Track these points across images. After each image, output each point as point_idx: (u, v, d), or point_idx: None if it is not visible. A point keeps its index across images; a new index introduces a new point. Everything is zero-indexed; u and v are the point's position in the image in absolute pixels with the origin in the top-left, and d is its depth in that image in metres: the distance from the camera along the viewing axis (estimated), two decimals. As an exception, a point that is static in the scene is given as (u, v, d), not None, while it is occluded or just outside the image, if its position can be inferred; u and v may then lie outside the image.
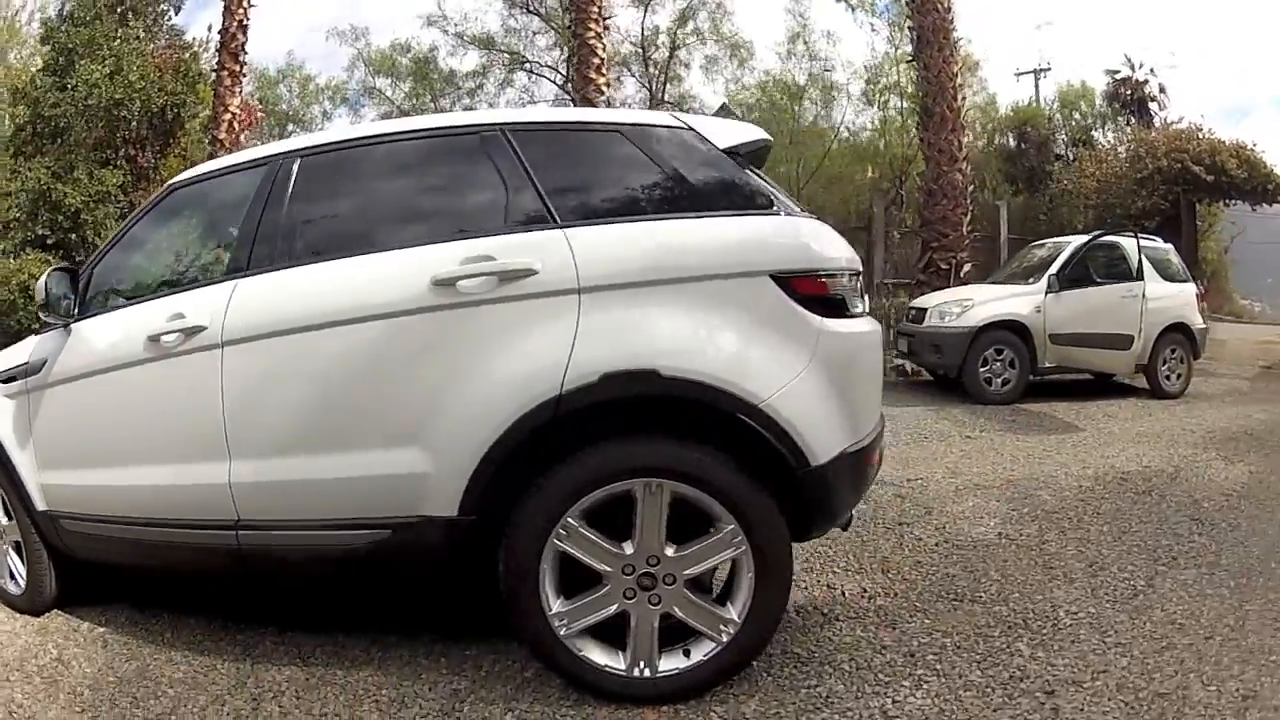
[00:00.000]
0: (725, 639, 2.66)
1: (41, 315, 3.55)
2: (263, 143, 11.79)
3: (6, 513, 3.76)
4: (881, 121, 20.25)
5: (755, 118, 17.42)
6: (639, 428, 2.64)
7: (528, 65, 19.15)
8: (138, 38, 12.86)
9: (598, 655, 2.68)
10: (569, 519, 2.59)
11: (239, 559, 3.03)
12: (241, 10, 11.20)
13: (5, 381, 3.67)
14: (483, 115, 3.41)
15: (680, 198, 2.87)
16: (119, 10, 12.78)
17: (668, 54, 19.74)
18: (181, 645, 3.35)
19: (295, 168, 3.15)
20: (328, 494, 2.82)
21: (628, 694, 2.68)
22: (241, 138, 11.47)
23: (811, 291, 2.71)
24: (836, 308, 2.79)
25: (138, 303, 3.37)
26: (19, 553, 3.75)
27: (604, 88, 11.71)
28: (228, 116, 11.21)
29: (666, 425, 2.63)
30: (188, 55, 13.18)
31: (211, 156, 11.05)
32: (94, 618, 3.66)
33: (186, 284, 3.39)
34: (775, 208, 2.88)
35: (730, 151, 2.98)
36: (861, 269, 3.07)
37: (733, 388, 2.57)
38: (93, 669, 3.18)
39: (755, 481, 2.61)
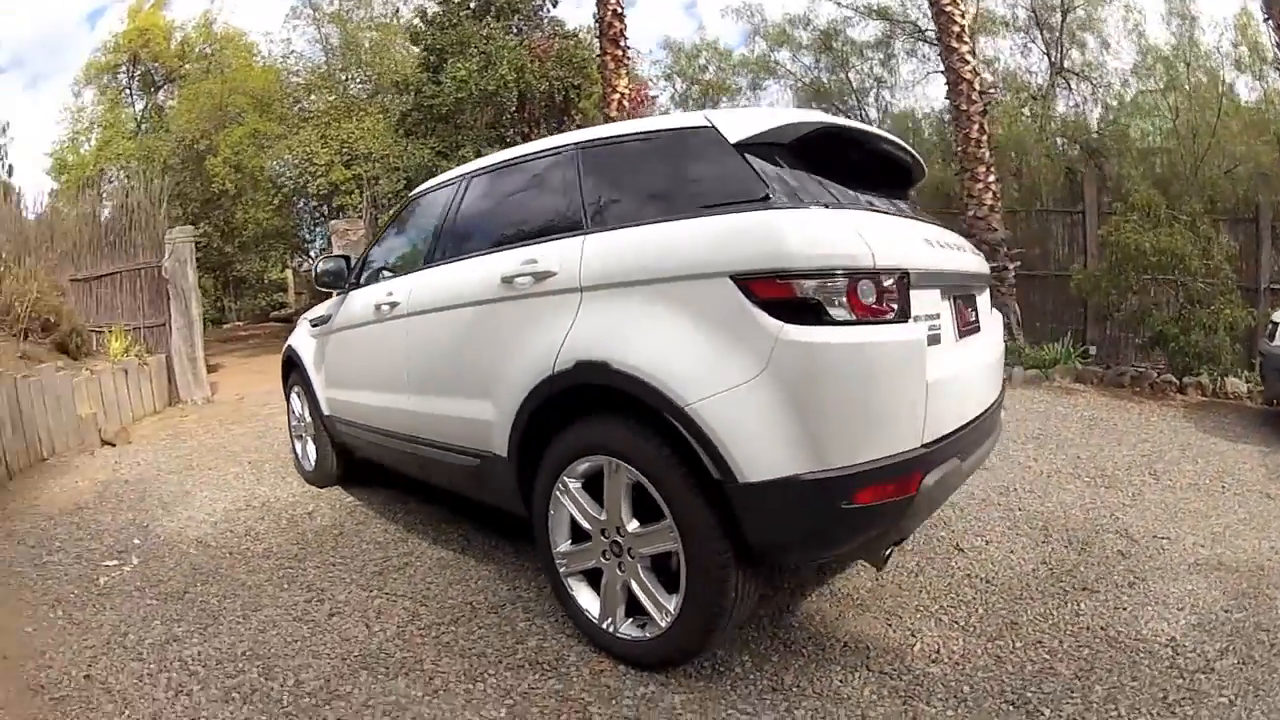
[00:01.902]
0: (663, 626, 2.99)
1: (317, 287, 5.46)
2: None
3: (311, 414, 5.75)
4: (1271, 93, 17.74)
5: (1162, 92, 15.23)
6: (616, 412, 3.01)
7: (926, 35, 19.12)
8: (514, 33, 15.44)
9: (584, 598, 3.29)
10: (564, 478, 3.21)
11: (419, 463, 4.39)
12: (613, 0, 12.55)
13: (314, 325, 5.69)
14: (570, 136, 3.77)
15: (684, 198, 3.06)
16: (488, 11, 15.32)
17: (1060, 18, 18.77)
18: (399, 520, 5.07)
19: (465, 186, 4.30)
20: (450, 427, 3.93)
21: (594, 638, 3.26)
22: (632, 116, 12.63)
23: (772, 295, 2.64)
24: (808, 313, 2.60)
25: (374, 283, 4.87)
26: (314, 442, 5.81)
27: (967, 56, 10.91)
28: (616, 96, 12.50)
29: (636, 414, 2.92)
30: (570, 43, 15.46)
31: None
32: (357, 494, 5.61)
33: (398, 272, 4.69)
34: (771, 201, 2.81)
35: (748, 144, 2.99)
36: (878, 268, 2.66)
37: (662, 386, 2.78)
38: (326, 523, 5.07)
39: (696, 485, 2.76)
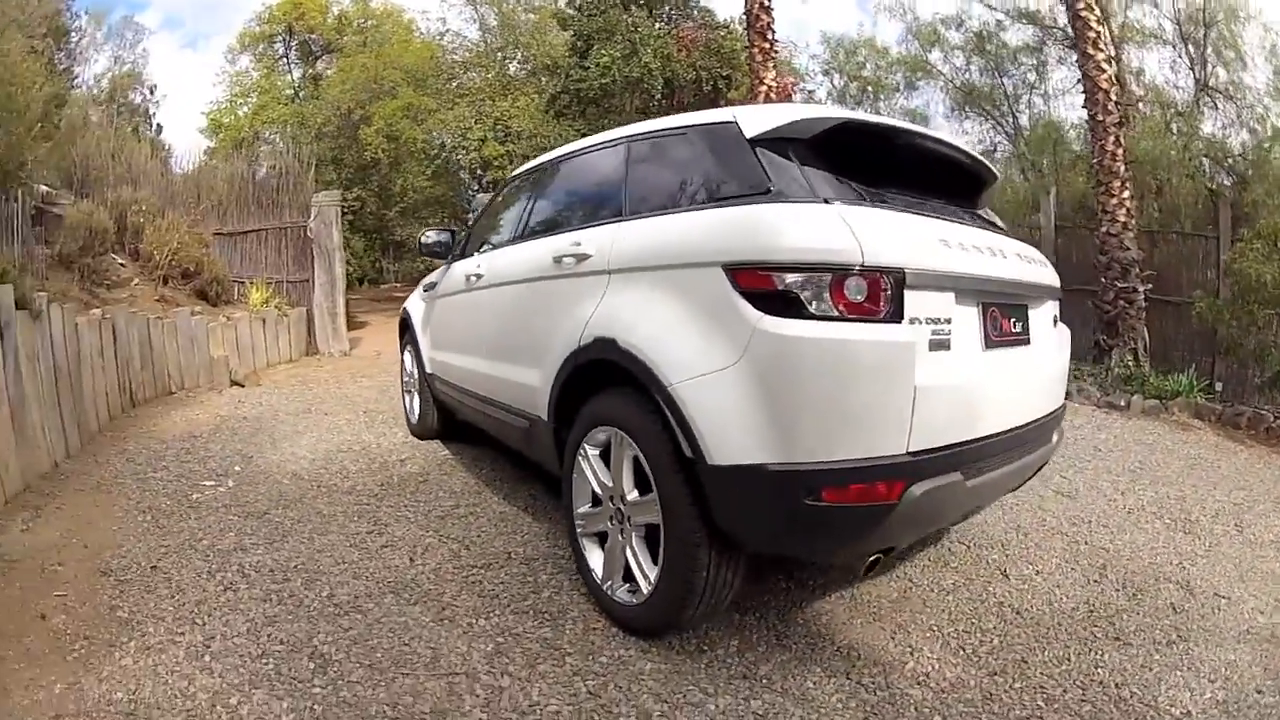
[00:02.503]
0: (645, 595, 3.12)
1: (421, 255, 6.12)
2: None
3: (417, 371, 6.25)
4: None
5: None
6: (623, 387, 3.17)
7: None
8: (664, 21, 15.81)
9: (594, 559, 3.45)
10: (585, 445, 3.40)
11: (491, 422, 4.74)
12: None
13: (425, 290, 6.20)
14: (623, 130, 4.02)
15: (704, 191, 3.22)
16: (635, 0, 15.58)
17: (1202, 32, 18.08)
18: (482, 474, 5.40)
19: (546, 171, 4.75)
20: (509, 390, 4.25)
21: (597, 598, 3.42)
22: None
23: (753, 286, 2.72)
24: (788, 305, 2.64)
25: (470, 256, 5.30)
26: (419, 397, 6.29)
27: (1103, 64, 10.34)
28: (763, 89, 12.50)
29: (635, 391, 3.08)
30: (719, 34, 15.61)
31: None
32: (452, 448, 6.01)
33: (485, 249, 5.07)
34: (772, 195, 2.89)
35: (762, 139, 3.06)
36: (866, 265, 2.62)
37: (653, 365, 2.94)
38: (414, 470, 5.47)
39: (677, 462, 2.88)
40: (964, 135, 22.56)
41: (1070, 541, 4.49)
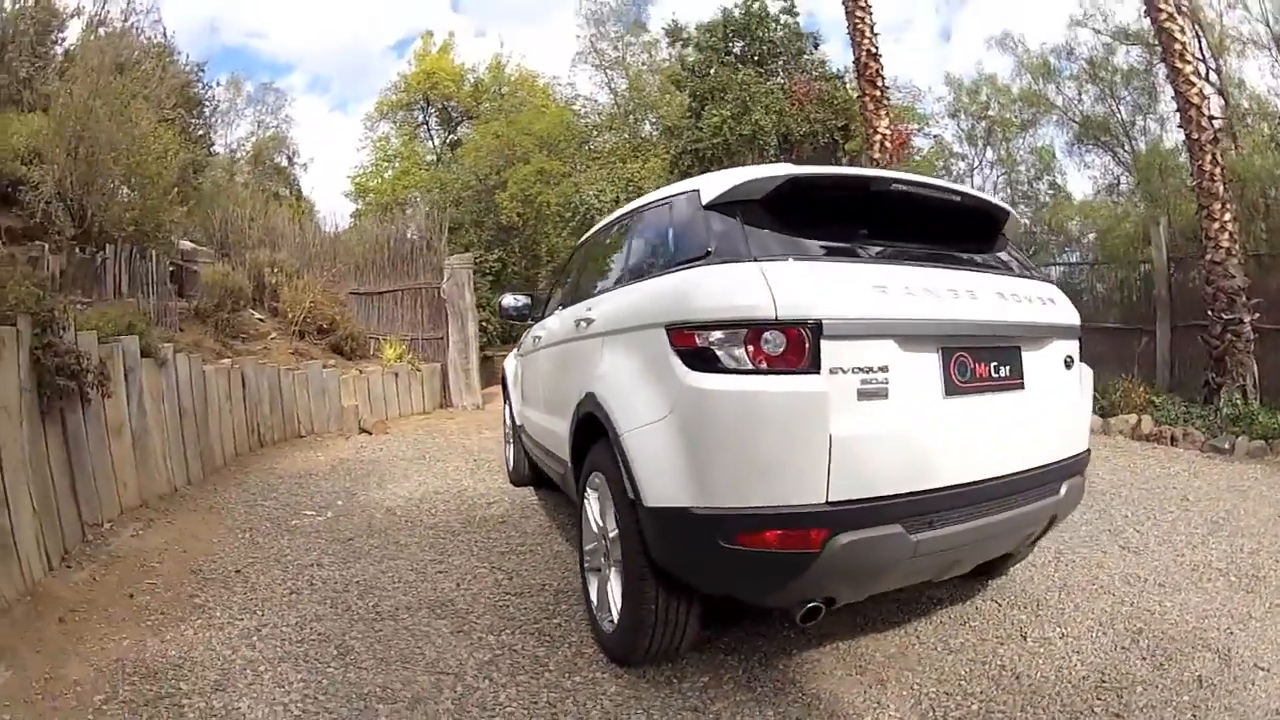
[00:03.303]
0: (613, 625, 3.42)
1: (500, 318, 6.88)
2: (914, 164, 13.96)
3: (511, 424, 6.85)
4: None
5: None
6: (603, 436, 3.46)
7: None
8: (777, 75, 16.08)
9: (593, 590, 3.72)
10: (587, 488, 3.75)
11: (546, 465, 5.24)
12: (867, 40, 12.62)
13: (518, 350, 6.85)
14: (632, 203, 4.59)
15: (670, 257, 3.58)
16: (748, 58, 16.06)
17: None
18: (558, 520, 5.70)
19: (584, 248, 5.49)
20: (551, 438, 4.73)
21: (592, 625, 3.71)
22: (895, 157, 12.89)
23: (683, 344, 2.96)
24: (708, 361, 2.87)
25: (538, 321, 5.91)
26: (513, 447, 6.83)
27: (1192, 77, 9.89)
28: (877, 137, 12.70)
29: (606, 439, 3.42)
30: (830, 85, 15.82)
31: None
32: (542, 496, 6.44)
33: (548, 313, 5.65)
34: (709, 257, 3.15)
35: (714, 204, 3.34)
36: (780, 319, 2.78)
37: (612, 416, 3.33)
38: (498, 513, 5.97)
39: (629, 504, 3.15)
40: (1085, 169, 21.59)
41: (1115, 602, 4.29)
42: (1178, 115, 10.56)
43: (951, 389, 3.15)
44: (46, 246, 7.66)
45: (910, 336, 3.03)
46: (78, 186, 8.28)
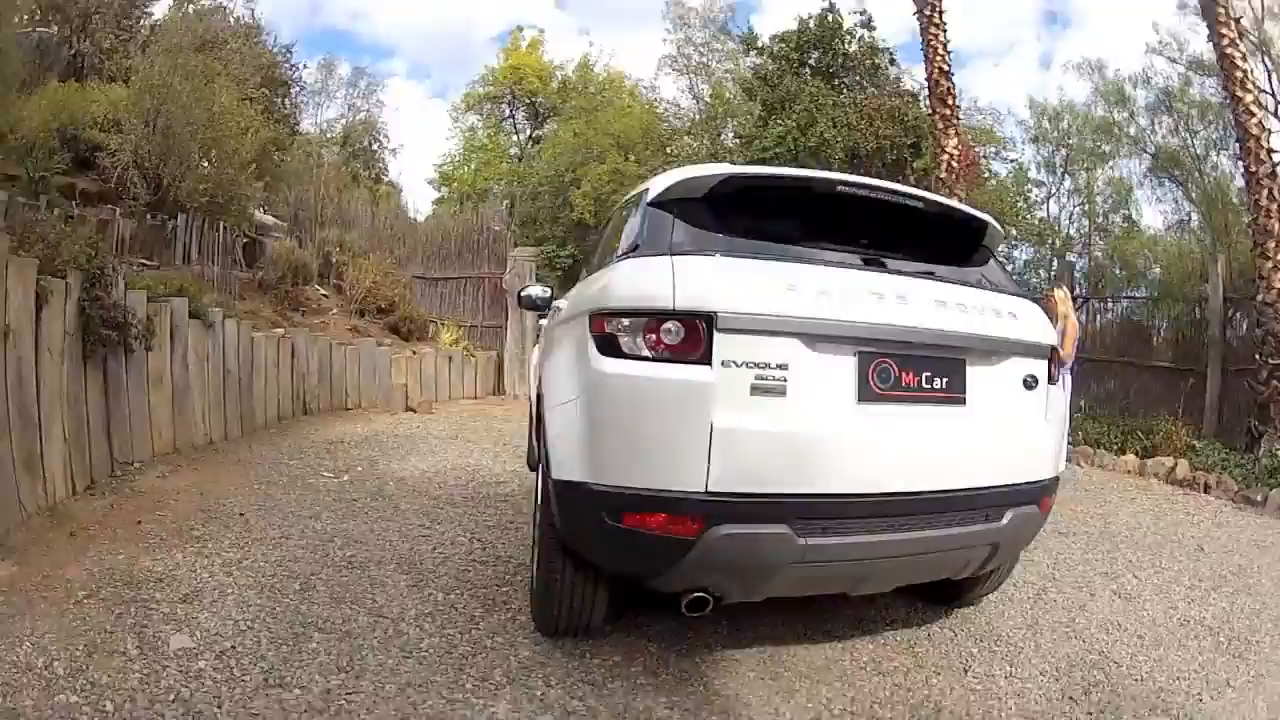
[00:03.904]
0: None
1: (521, 307, 6.37)
2: (975, 187, 13.90)
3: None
4: None
5: None
6: None
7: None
8: (850, 89, 16.27)
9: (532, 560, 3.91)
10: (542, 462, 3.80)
11: None
12: (939, 58, 12.67)
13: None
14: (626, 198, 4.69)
15: (615, 251, 3.81)
16: (823, 70, 16.22)
17: None
18: None
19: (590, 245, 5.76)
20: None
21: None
22: (960, 177, 13.02)
23: (596, 330, 3.10)
24: (613, 346, 3.03)
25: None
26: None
27: (1253, 107, 9.81)
28: (945, 157, 12.80)
29: None
30: (901, 102, 15.80)
31: (931, 192, 13.52)
32: None
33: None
34: (638, 251, 3.40)
35: (657, 201, 3.55)
36: (676, 310, 2.92)
37: (545, 394, 3.63)
38: (504, 492, 6.37)
39: (548, 474, 3.34)
40: (1158, 203, 20.90)
41: (1083, 649, 4.12)
42: (1237, 146, 10.40)
43: (867, 395, 3.15)
44: (118, 211, 8.48)
45: (819, 337, 3.07)
46: (154, 157, 9.09)
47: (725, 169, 3.60)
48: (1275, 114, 17.87)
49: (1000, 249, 4.36)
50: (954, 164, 12.73)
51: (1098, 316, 14.09)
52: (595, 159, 19.68)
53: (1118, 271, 17.32)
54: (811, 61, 16.38)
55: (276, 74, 15.26)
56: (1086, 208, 20.61)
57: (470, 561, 4.53)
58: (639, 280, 3.15)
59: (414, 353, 11.41)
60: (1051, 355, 3.77)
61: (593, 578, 3.38)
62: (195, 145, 9.54)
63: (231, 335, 7.12)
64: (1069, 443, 9.21)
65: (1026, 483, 3.56)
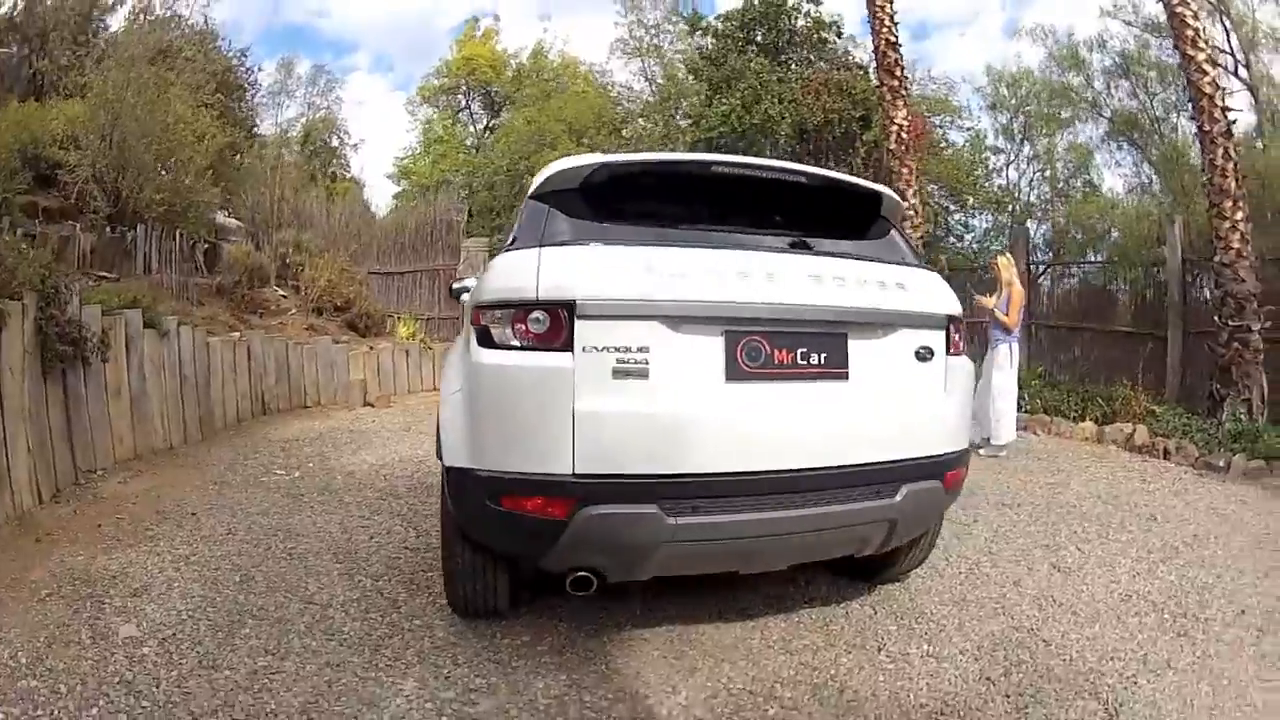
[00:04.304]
0: None
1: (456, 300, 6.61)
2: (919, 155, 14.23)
3: None
4: None
5: None
6: None
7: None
8: (796, 65, 16.66)
9: None
10: None
11: None
12: (885, 29, 12.93)
13: None
14: None
15: (505, 243, 3.90)
16: (770, 48, 16.57)
17: None
18: None
19: None
20: None
21: None
22: (911, 147, 13.30)
23: (475, 323, 3.30)
24: (489, 339, 3.22)
25: None
26: None
27: (1205, 65, 9.88)
28: (894, 128, 13.06)
29: None
30: (848, 75, 16.08)
31: (881, 165, 13.98)
32: None
33: None
34: (514, 245, 3.56)
35: (537, 193, 3.71)
36: (539, 300, 3.11)
37: (441, 386, 3.83)
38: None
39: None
40: (1118, 167, 21.63)
41: (1010, 626, 4.04)
42: (1190, 106, 10.42)
43: (736, 374, 3.23)
44: (78, 226, 8.94)
45: (681, 318, 3.18)
46: (112, 170, 9.53)
47: (597, 158, 3.69)
48: (1235, 73, 18.39)
49: (903, 219, 4.52)
50: (903, 135, 13.08)
51: (1058, 283, 14.30)
52: (548, 146, 20.05)
53: (1078, 236, 17.85)
54: (758, 39, 16.65)
55: (232, 78, 15.62)
56: (1047, 173, 21.15)
57: (403, 549, 4.95)
58: (508, 273, 3.31)
59: (371, 348, 11.86)
60: (952, 326, 3.77)
61: (491, 560, 3.57)
62: (150, 156, 9.96)
63: (187, 342, 7.56)
64: (1023, 410, 9.64)
65: (924, 457, 3.58)
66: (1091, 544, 5.39)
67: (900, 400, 3.59)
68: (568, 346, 3.07)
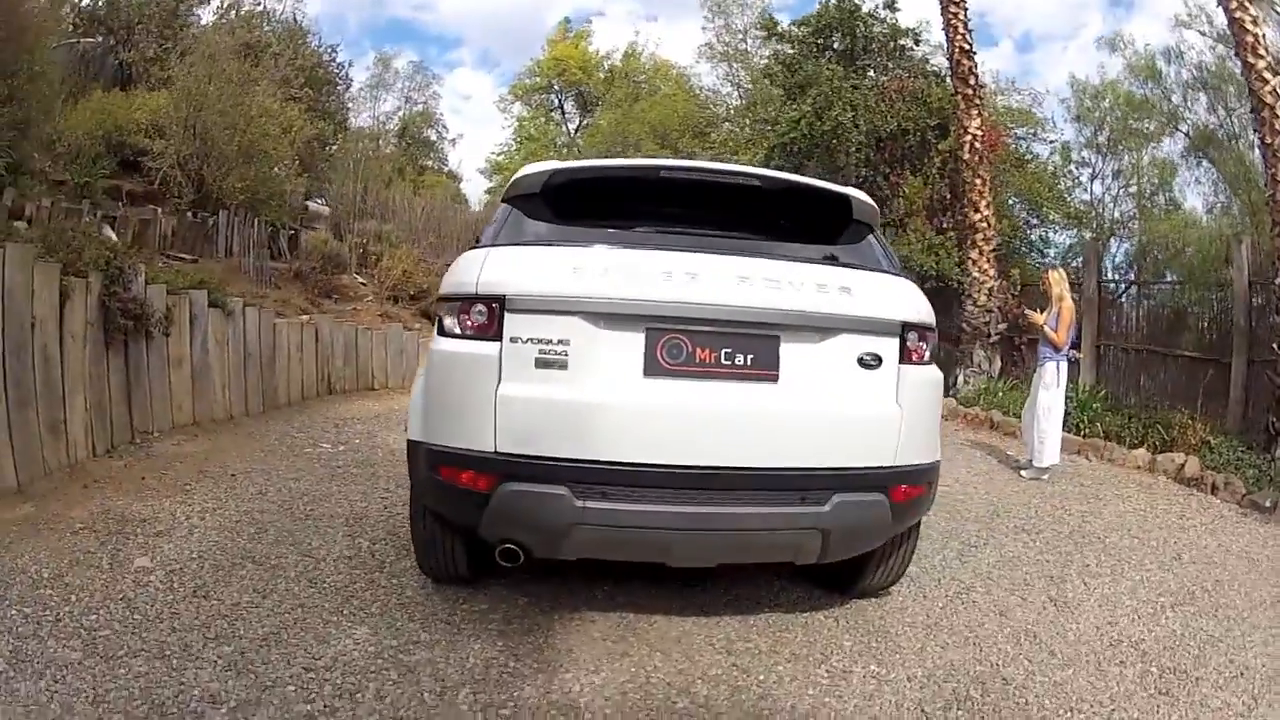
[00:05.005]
0: None
1: None
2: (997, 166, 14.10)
3: None
4: None
5: None
6: None
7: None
8: (872, 71, 16.59)
9: None
10: None
11: None
12: (959, 37, 12.88)
13: None
14: None
15: None
16: (847, 55, 16.49)
17: None
18: None
19: None
20: None
21: None
22: (984, 158, 13.18)
23: (436, 313, 3.73)
24: (442, 328, 3.62)
25: None
26: None
27: (1265, 74, 9.40)
28: (967, 138, 13.04)
29: None
30: (923, 83, 15.85)
31: (955, 174, 13.89)
32: None
33: None
34: (478, 245, 3.88)
35: (509, 196, 4.07)
36: (477, 294, 3.45)
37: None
38: None
39: None
40: (1197, 184, 20.39)
41: (974, 658, 3.89)
42: (1253, 115, 9.97)
43: (654, 370, 3.42)
44: (160, 210, 9.77)
45: (602, 315, 3.42)
46: (195, 158, 10.36)
47: (555, 164, 4.11)
48: None
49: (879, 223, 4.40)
50: (977, 144, 13.05)
51: (1134, 304, 13.81)
52: (632, 147, 20.46)
53: (1158, 256, 17.19)
54: (835, 45, 16.60)
55: (321, 73, 16.51)
56: (1134, 189, 20.42)
57: (394, 514, 5.34)
58: (462, 270, 3.68)
59: (443, 335, 12.51)
60: (912, 333, 3.74)
61: (449, 529, 3.86)
62: (233, 147, 10.77)
63: (252, 322, 8.28)
64: (1081, 434, 9.54)
65: (863, 468, 3.60)
66: (1100, 579, 5.17)
67: (837, 407, 3.62)
68: (498, 337, 3.42)
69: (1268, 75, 9.35)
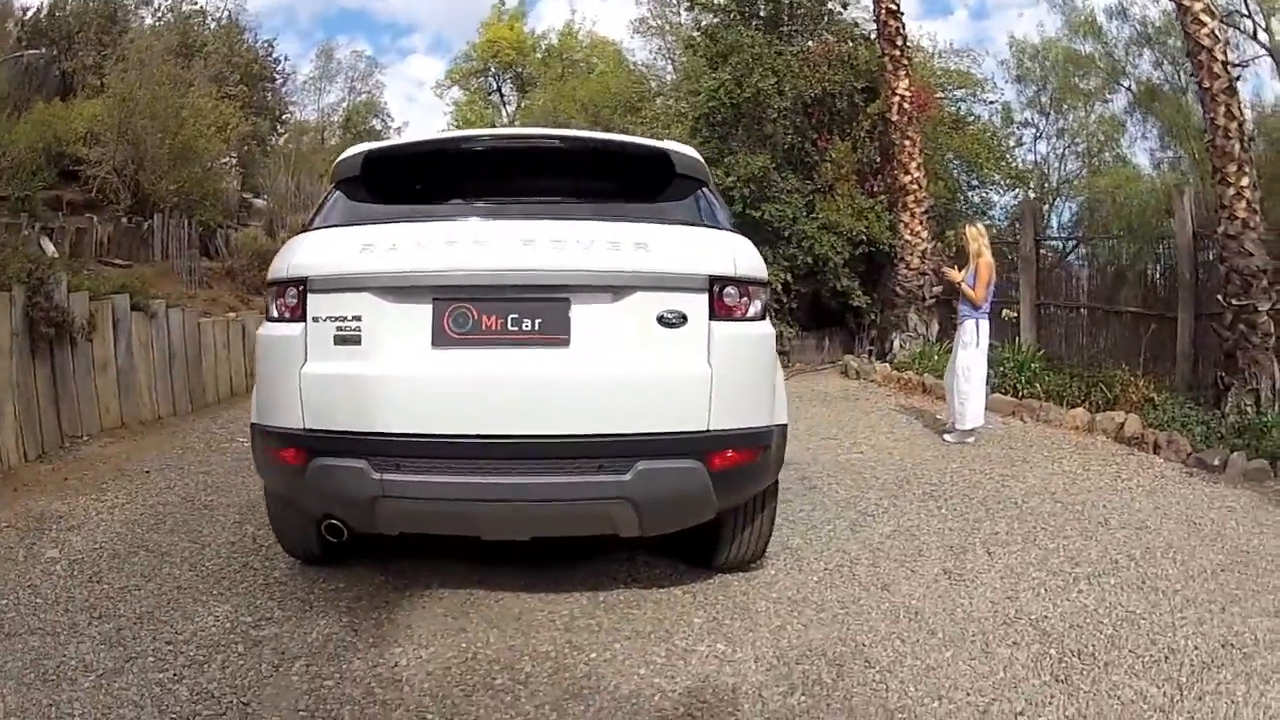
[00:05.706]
0: None
1: None
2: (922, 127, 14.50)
3: None
4: None
5: None
6: None
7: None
8: (795, 37, 16.48)
9: None
10: None
11: None
12: None
13: None
14: None
15: None
16: (772, 23, 16.44)
17: None
18: None
19: None
20: None
21: None
22: (913, 119, 13.67)
23: (266, 299, 4.02)
24: (266, 312, 3.91)
25: None
26: None
27: (1202, 16, 9.20)
28: (895, 99, 13.47)
29: None
30: (849, 47, 15.90)
31: (885, 136, 14.34)
32: None
33: None
34: (304, 229, 4.11)
35: (338, 179, 4.25)
36: (289, 278, 3.72)
37: None
38: None
39: None
40: (1143, 140, 21.27)
41: (835, 639, 3.74)
42: (1189, 59, 9.80)
43: (442, 340, 3.51)
44: (95, 218, 10.54)
45: (390, 289, 3.54)
46: (130, 164, 11.02)
47: (367, 146, 4.29)
48: (1254, 37, 18.77)
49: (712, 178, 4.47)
50: (905, 105, 13.59)
51: (1080, 261, 14.20)
52: (562, 126, 21.03)
53: (1102, 213, 18.07)
54: (760, 13, 16.66)
55: (257, 69, 17.00)
56: (1080, 147, 21.52)
57: None
58: (280, 256, 3.95)
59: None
60: (724, 288, 3.64)
61: (292, 507, 4.09)
62: (164, 150, 11.44)
63: (176, 322, 9.14)
64: (1002, 395, 9.52)
65: (669, 433, 3.54)
66: (1009, 548, 4.93)
67: (637, 369, 3.57)
68: (302, 318, 3.62)
69: (1204, 18, 9.12)
